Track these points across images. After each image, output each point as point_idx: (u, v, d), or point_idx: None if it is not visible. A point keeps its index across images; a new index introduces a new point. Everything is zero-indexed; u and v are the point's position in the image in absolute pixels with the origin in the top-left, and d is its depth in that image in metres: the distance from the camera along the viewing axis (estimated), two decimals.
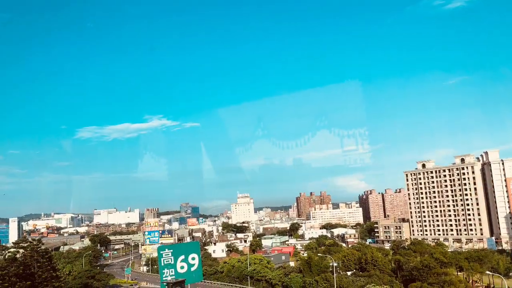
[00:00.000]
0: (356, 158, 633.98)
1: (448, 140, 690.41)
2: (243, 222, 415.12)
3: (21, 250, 75.96)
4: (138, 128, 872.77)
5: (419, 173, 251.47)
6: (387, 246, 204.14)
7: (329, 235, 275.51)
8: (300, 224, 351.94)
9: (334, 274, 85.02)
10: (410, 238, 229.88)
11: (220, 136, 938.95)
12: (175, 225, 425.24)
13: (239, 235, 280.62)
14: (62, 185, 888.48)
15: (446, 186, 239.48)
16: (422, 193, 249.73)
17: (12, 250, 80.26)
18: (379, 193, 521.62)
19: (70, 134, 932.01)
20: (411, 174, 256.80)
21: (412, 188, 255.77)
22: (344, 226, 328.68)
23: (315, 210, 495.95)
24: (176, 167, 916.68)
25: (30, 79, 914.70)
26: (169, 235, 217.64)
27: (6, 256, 72.74)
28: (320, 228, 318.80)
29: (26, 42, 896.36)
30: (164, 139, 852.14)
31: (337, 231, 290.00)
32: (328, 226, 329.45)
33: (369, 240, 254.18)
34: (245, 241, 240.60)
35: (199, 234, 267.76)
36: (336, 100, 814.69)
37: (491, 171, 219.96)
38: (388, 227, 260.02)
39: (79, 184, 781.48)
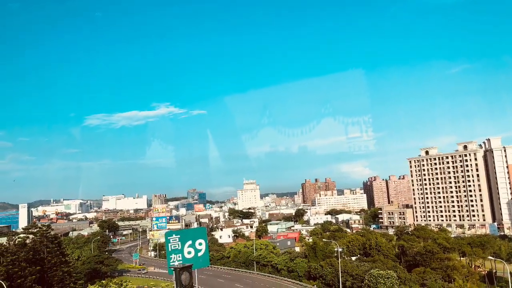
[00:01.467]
0: (361, 145, 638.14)
1: (451, 127, 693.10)
2: (249, 208, 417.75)
3: (31, 236, 77.35)
4: (145, 115, 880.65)
5: (423, 160, 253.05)
6: (391, 231, 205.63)
7: (334, 221, 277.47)
8: (306, 210, 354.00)
9: (339, 259, 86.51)
10: (414, 224, 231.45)
11: (226, 124, 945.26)
12: (182, 211, 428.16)
13: (246, 221, 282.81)
14: (71, 171, 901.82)
15: (449, 172, 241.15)
16: (425, 179, 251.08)
17: (22, 235, 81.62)
18: (383, 179, 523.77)
19: (79, 122, 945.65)
20: (414, 161, 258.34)
21: (416, 175, 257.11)
22: (349, 212, 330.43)
23: (320, 196, 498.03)
24: (183, 154, 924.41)
25: (39, 67, 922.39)
26: (177, 221, 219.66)
27: (16, 242, 74.24)
28: (325, 214, 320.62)
29: (36, 31, 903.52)
30: (171, 126, 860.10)
31: (341, 217, 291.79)
32: (333, 212, 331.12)
33: (373, 226, 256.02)
34: (251, 227, 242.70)
35: (206, 220, 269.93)
36: (341, 88, 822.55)
37: (493, 158, 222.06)
38: (392, 213, 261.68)
39: (88, 171, 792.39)
